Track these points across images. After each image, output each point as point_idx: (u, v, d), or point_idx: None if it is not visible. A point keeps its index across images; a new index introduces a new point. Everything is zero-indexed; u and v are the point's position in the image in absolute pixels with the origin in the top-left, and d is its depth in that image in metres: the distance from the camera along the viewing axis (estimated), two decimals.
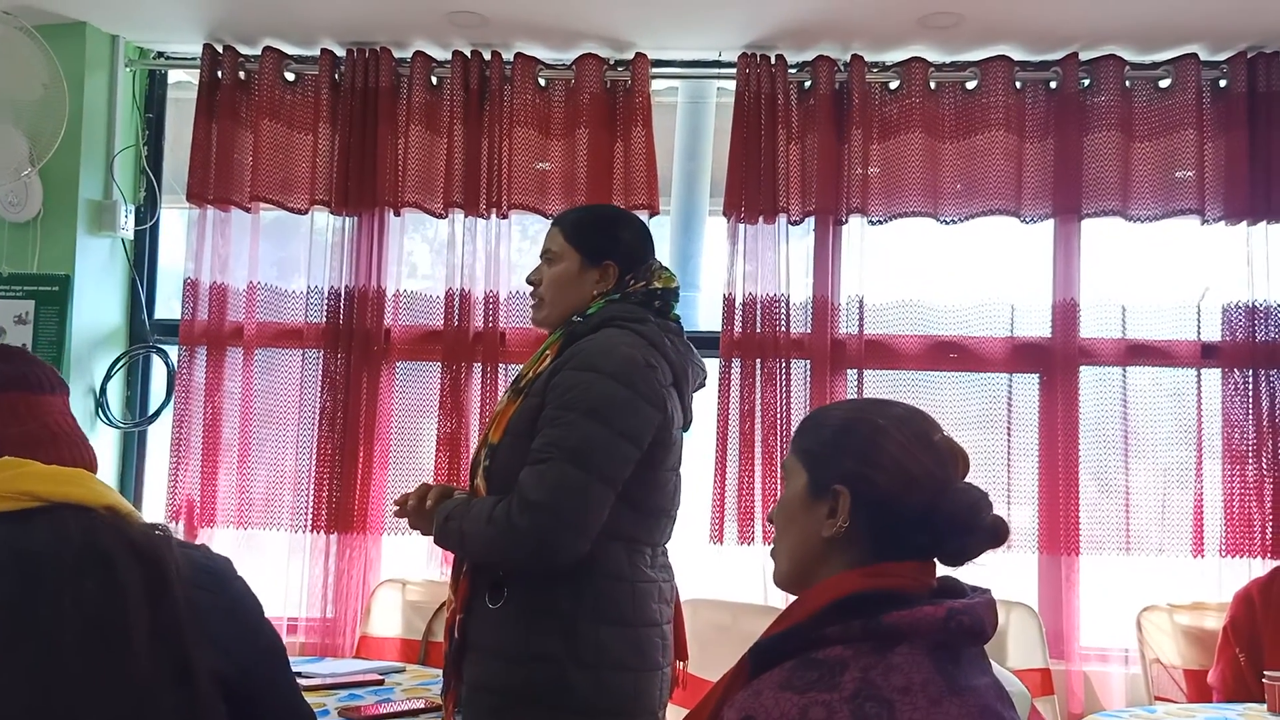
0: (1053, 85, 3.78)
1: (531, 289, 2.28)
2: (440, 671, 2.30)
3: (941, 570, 1.37)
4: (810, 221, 3.81)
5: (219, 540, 3.83)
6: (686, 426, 2.26)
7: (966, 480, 1.37)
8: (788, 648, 1.28)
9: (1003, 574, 3.74)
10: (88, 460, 1.41)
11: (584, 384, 2.02)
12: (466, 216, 3.85)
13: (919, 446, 1.34)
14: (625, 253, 2.23)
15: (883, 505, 1.32)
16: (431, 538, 2.15)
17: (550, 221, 2.37)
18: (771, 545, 1.45)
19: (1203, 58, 3.72)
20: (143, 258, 4.11)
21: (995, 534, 1.33)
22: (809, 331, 3.78)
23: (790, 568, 1.40)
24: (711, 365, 3.70)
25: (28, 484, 1.27)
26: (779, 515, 1.42)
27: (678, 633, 2.26)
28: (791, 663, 1.25)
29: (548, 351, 2.15)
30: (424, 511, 2.16)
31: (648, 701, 2.08)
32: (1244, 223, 3.70)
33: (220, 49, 3.93)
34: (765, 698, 1.23)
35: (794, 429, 1.47)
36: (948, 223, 3.78)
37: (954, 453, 1.37)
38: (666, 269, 2.28)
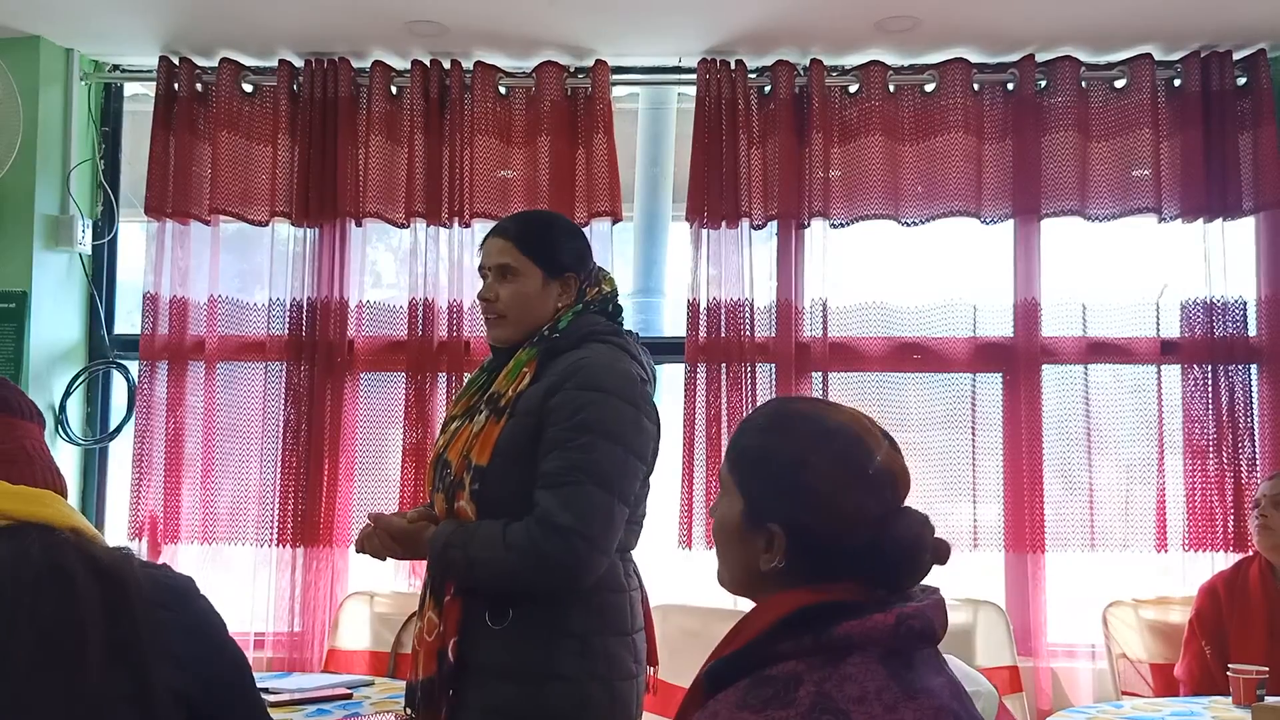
0: (1010, 87, 3.82)
1: (486, 305, 2.21)
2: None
3: None
4: (773, 225, 3.82)
5: (183, 556, 3.79)
6: None
7: (905, 505, 1.33)
8: (741, 666, 1.27)
9: (969, 572, 3.80)
10: (58, 486, 1.43)
11: (595, 404, 2.01)
12: (429, 226, 3.84)
13: (855, 483, 1.30)
14: (581, 262, 2.22)
15: (819, 546, 1.30)
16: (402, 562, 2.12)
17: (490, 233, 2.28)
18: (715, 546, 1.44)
19: (1157, 58, 3.77)
20: (101, 272, 4.07)
21: (938, 561, 1.32)
22: (773, 335, 3.79)
23: (732, 584, 1.40)
24: (677, 370, 3.74)
25: None
26: (718, 529, 1.40)
27: (648, 638, 2.26)
28: (746, 681, 1.24)
29: (525, 369, 2.11)
30: (408, 536, 2.10)
31: (642, 703, 2.13)
32: (1200, 220, 3.75)
33: (176, 61, 3.90)
34: (722, 718, 1.23)
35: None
36: (909, 224, 3.80)
37: (892, 475, 1.33)
38: (602, 268, 2.29)
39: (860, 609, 1.26)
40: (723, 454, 3.47)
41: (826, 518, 1.30)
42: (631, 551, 2.18)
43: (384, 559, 2.15)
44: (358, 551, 2.17)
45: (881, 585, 1.31)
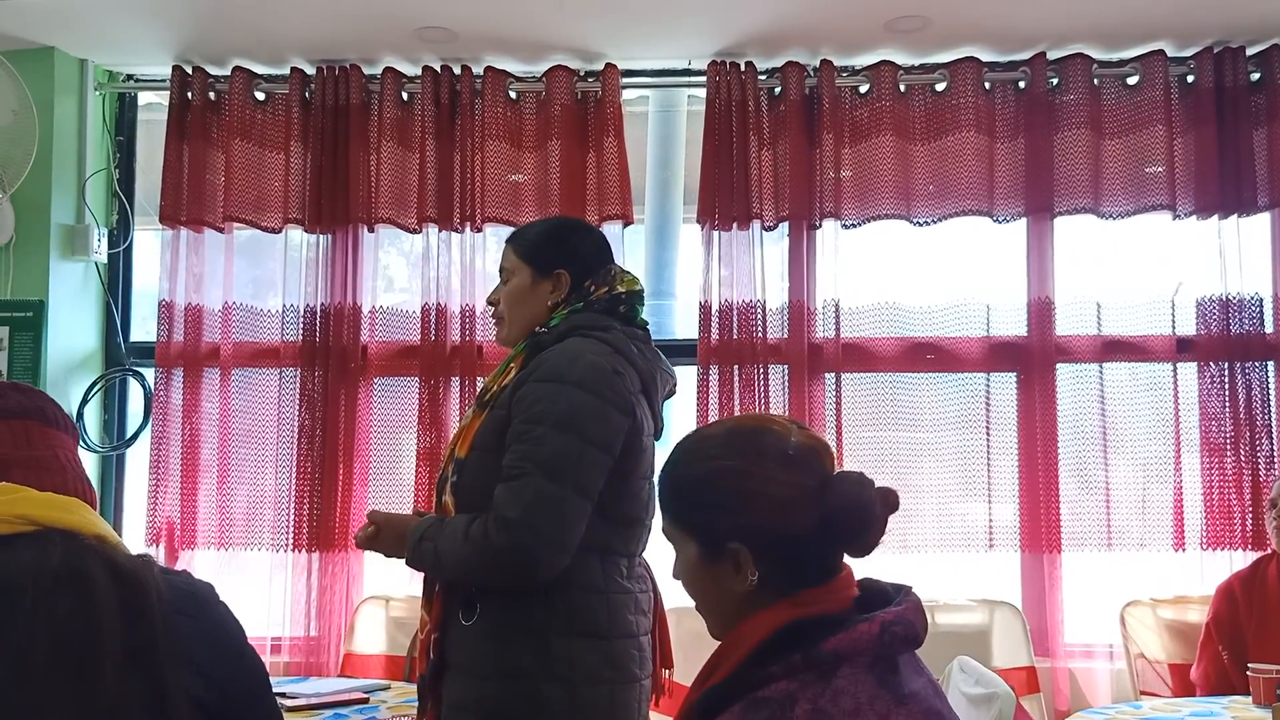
0: (1021, 85, 3.81)
1: (493, 309, 2.27)
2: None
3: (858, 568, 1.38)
4: (784, 227, 3.82)
5: (200, 561, 3.81)
6: (659, 435, 2.23)
7: (839, 471, 1.35)
8: (732, 693, 1.27)
9: (985, 573, 3.78)
10: (88, 496, 1.44)
11: (551, 395, 1.99)
12: (441, 231, 3.85)
13: (781, 469, 1.32)
14: (577, 260, 2.19)
15: (780, 542, 1.31)
16: (405, 560, 2.11)
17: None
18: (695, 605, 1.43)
19: (1170, 54, 3.75)
20: (117, 281, 4.10)
21: (889, 509, 1.34)
22: (785, 336, 3.78)
23: (720, 626, 1.38)
24: (689, 373, 3.72)
25: (23, 508, 1.29)
26: (686, 583, 1.41)
27: (663, 641, 2.25)
28: (739, 706, 1.25)
29: (512, 364, 2.13)
30: (396, 529, 2.12)
31: (625, 714, 2.06)
32: (1215, 216, 3.73)
33: (190, 70, 3.92)
34: None
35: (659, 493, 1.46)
36: (921, 224, 3.79)
37: (814, 450, 1.35)
38: (629, 273, 2.24)
39: (842, 620, 1.27)
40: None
41: (771, 509, 1.32)
42: (628, 556, 2.11)
43: (370, 547, 2.16)
44: (358, 545, 2.20)
45: (852, 553, 1.34)
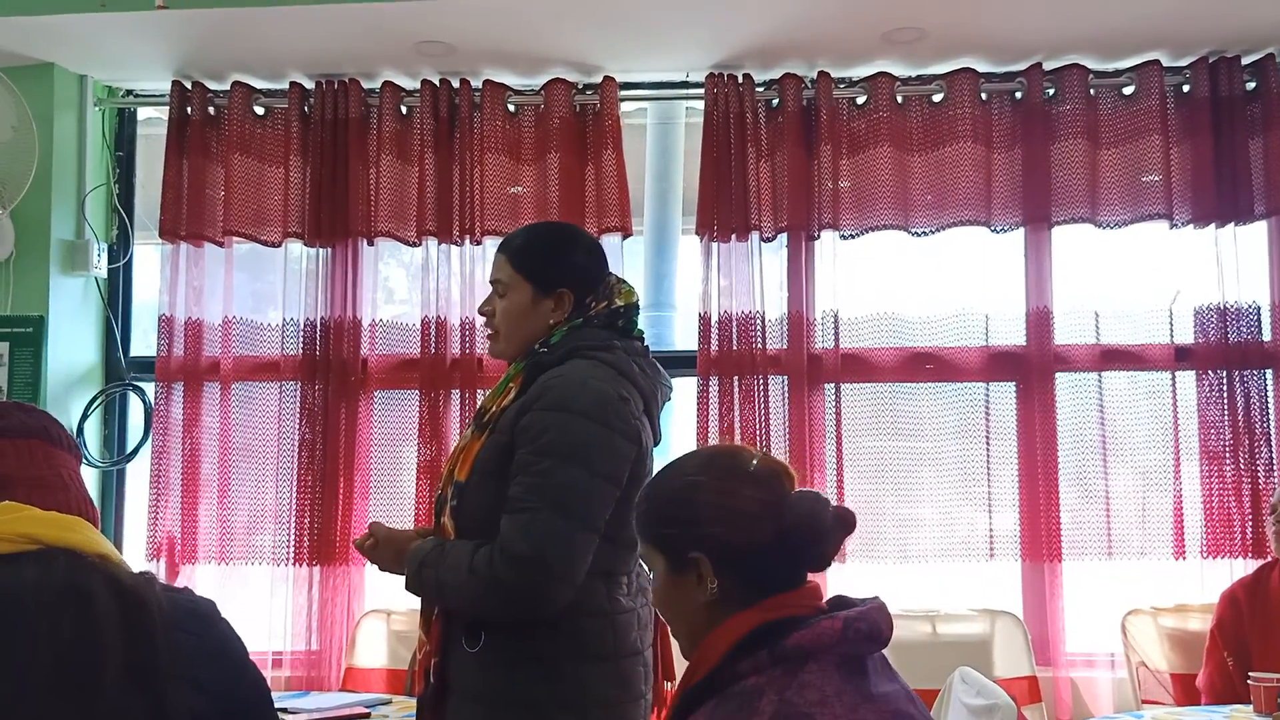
0: (1018, 95, 3.82)
1: (484, 320, 2.20)
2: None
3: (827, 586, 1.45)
4: (783, 238, 3.83)
5: (201, 576, 3.81)
6: (656, 442, 2.20)
7: (797, 490, 1.44)
8: (706, 693, 1.35)
9: (986, 582, 3.78)
10: (90, 516, 1.44)
11: (558, 426, 1.95)
12: (440, 244, 3.86)
13: (740, 484, 1.43)
14: (579, 277, 2.13)
15: (738, 552, 1.40)
16: (403, 584, 2.09)
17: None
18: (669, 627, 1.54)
19: (1165, 64, 3.76)
20: (117, 296, 4.10)
21: (844, 528, 1.42)
22: (785, 347, 3.79)
23: (689, 641, 1.46)
24: (689, 384, 3.73)
25: (26, 527, 1.29)
26: (657, 601, 1.51)
27: (662, 652, 2.24)
28: (712, 702, 1.32)
29: (511, 384, 2.09)
30: (395, 546, 2.11)
31: None
32: (1212, 225, 3.74)
33: (189, 85, 3.93)
34: None
35: (634, 510, 1.56)
36: (919, 235, 3.80)
37: (774, 471, 1.45)
38: (625, 282, 2.20)
39: (807, 621, 1.34)
40: None
41: (730, 521, 1.40)
42: (628, 574, 2.10)
43: (367, 556, 2.16)
44: (356, 548, 2.20)
45: (811, 567, 1.42)
